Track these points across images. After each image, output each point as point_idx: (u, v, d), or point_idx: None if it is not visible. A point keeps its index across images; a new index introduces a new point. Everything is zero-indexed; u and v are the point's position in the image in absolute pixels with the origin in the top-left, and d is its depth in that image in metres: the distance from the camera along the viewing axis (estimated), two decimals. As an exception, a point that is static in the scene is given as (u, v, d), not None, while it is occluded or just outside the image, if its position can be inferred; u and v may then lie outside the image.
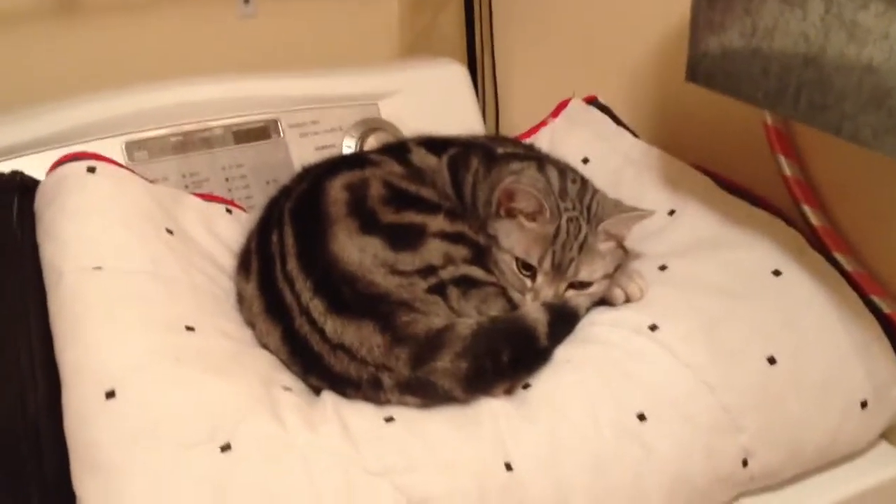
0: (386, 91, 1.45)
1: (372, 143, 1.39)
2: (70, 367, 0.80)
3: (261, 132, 1.36)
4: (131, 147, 1.26)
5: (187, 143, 1.30)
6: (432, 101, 1.48)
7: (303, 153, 1.34)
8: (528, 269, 0.98)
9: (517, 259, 0.98)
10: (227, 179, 1.32)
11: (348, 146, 1.40)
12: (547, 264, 0.97)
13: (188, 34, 1.52)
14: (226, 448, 0.75)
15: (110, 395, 0.76)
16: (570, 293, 0.98)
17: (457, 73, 1.53)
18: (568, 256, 0.97)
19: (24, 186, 1.01)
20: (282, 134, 1.37)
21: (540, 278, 0.97)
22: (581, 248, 0.97)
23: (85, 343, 0.81)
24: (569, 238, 0.97)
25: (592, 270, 0.98)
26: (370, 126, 1.41)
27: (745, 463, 0.88)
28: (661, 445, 0.84)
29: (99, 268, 0.88)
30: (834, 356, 0.93)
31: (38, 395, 0.82)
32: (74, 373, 0.79)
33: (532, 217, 0.98)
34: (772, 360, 0.90)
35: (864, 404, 0.93)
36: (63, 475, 0.76)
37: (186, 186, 1.27)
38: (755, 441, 0.88)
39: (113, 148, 1.23)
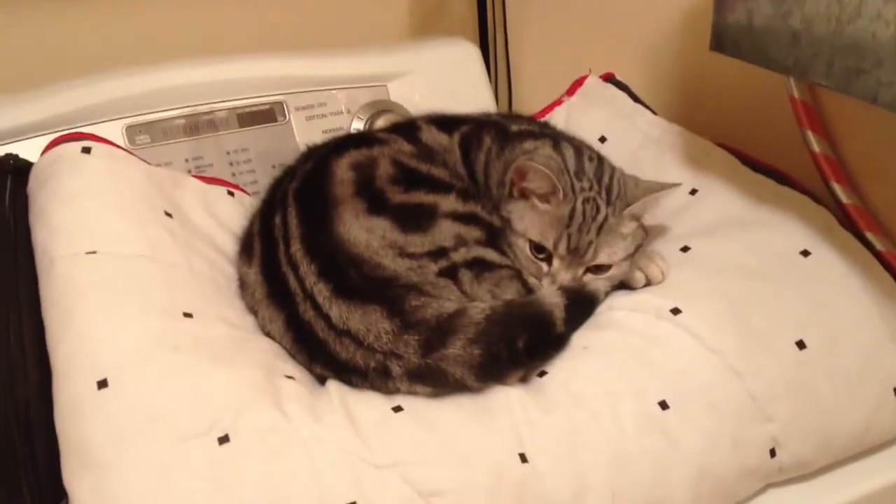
0: (395, 72, 1.42)
1: (381, 125, 1.36)
2: (61, 356, 0.78)
3: (266, 115, 1.33)
4: (132, 130, 1.23)
5: (191, 127, 1.27)
6: (443, 81, 1.45)
7: (309, 137, 1.31)
8: (543, 252, 0.96)
9: (531, 242, 0.96)
10: (231, 164, 1.29)
11: (357, 129, 1.37)
12: (562, 248, 0.94)
13: (192, 15, 1.48)
14: (224, 440, 0.72)
15: (102, 384, 0.74)
16: (589, 276, 0.96)
17: (468, 53, 1.49)
18: (585, 239, 0.94)
19: (17, 169, 0.98)
20: (288, 117, 1.34)
21: (556, 262, 0.95)
22: (599, 229, 0.95)
23: (76, 331, 0.78)
24: (585, 220, 0.94)
25: (612, 253, 0.95)
26: (379, 108, 1.38)
27: (773, 453, 0.84)
28: (684, 435, 0.81)
29: (93, 252, 0.85)
30: (867, 340, 0.90)
31: (29, 383, 0.80)
32: (65, 362, 0.77)
33: (545, 198, 0.96)
34: (801, 345, 0.87)
35: (897, 390, 0.89)
36: (55, 465, 0.73)
37: (190, 171, 1.24)
38: (784, 430, 0.84)
39: (113, 131, 1.20)
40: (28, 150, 1.04)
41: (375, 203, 0.91)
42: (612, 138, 1.24)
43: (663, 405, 0.82)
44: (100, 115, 1.20)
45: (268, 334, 0.90)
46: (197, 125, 1.27)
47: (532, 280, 0.95)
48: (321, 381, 0.86)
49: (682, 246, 1.00)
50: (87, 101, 1.20)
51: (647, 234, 1.01)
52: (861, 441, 0.89)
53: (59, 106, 1.18)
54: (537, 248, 0.95)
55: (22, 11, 1.34)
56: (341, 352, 0.83)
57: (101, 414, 0.73)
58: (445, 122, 1.09)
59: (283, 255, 0.90)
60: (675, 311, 0.88)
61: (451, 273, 0.88)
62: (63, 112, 1.17)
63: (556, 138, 1.07)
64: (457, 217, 0.92)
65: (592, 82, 1.34)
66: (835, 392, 0.87)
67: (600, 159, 1.04)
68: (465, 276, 0.89)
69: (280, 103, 1.33)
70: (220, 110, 1.29)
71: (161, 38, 1.43)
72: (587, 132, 1.21)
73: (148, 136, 1.24)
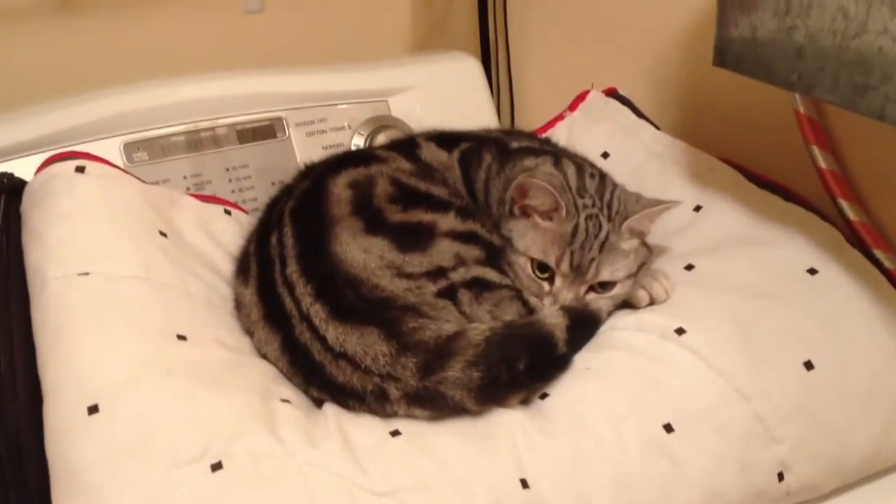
0: (396, 87, 1.41)
1: (382, 141, 1.35)
2: (51, 379, 0.76)
3: (266, 131, 1.32)
4: (130, 148, 1.22)
5: (189, 144, 1.26)
6: (444, 96, 1.43)
7: (310, 153, 1.29)
8: (545, 271, 0.94)
9: (533, 261, 0.94)
10: (231, 181, 1.28)
11: (357, 145, 1.36)
12: (565, 265, 0.92)
13: (192, 30, 1.48)
14: (217, 467, 0.70)
15: (93, 410, 0.72)
16: (591, 296, 0.94)
17: (470, 67, 1.48)
18: (588, 257, 0.92)
19: (11, 188, 0.97)
20: (288, 133, 1.32)
21: (558, 281, 0.93)
22: (602, 247, 0.93)
23: (67, 354, 0.77)
24: (588, 237, 0.93)
25: (615, 270, 0.93)
26: (380, 124, 1.37)
27: (780, 477, 0.82)
28: (690, 459, 0.80)
29: (86, 273, 0.84)
30: (876, 359, 0.88)
31: (19, 405, 0.79)
32: (56, 385, 0.76)
33: (548, 215, 0.95)
34: (809, 366, 0.85)
35: (909, 411, 0.88)
36: (45, 488, 0.72)
37: (188, 189, 1.23)
38: (792, 453, 0.83)
39: (111, 149, 1.19)
40: (23, 168, 1.03)
41: (373, 222, 0.90)
42: (615, 154, 1.22)
43: (668, 428, 0.80)
44: (97, 133, 1.19)
45: (264, 356, 0.88)
46: (196, 142, 1.26)
47: (533, 300, 0.93)
48: (318, 404, 0.84)
49: (686, 264, 0.98)
50: (84, 119, 1.19)
51: (651, 253, 1.00)
52: (872, 463, 0.88)
53: (56, 123, 1.17)
54: (539, 266, 0.94)
55: (17, 28, 1.34)
56: (338, 375, 0.82)
57: (93, 438, 0.71)
58: (445, 139, 1.08)
59: (280, 276, 0.88)
60: (680, 331, 0.87)
61: (449, 293, 0.87)
62: (59, 130, 1.16)
63: (558, 155, 1.05)
64: (456, 236, 0.91)
65: (595, 97, 1.33)
66: (844, 413, 0.85)
67: (602, 176, 1.02)
68: (465, 296, 0.87)
69: (280, 119, 1.32)
70: (219, 126, 1.28)
71: (159, 54, 1.42)
72: (589, 148, 1.20)
73: (146, 153, 1.23)
